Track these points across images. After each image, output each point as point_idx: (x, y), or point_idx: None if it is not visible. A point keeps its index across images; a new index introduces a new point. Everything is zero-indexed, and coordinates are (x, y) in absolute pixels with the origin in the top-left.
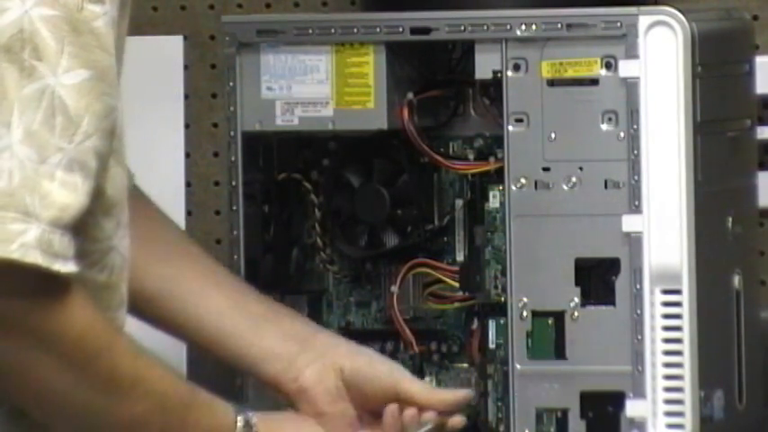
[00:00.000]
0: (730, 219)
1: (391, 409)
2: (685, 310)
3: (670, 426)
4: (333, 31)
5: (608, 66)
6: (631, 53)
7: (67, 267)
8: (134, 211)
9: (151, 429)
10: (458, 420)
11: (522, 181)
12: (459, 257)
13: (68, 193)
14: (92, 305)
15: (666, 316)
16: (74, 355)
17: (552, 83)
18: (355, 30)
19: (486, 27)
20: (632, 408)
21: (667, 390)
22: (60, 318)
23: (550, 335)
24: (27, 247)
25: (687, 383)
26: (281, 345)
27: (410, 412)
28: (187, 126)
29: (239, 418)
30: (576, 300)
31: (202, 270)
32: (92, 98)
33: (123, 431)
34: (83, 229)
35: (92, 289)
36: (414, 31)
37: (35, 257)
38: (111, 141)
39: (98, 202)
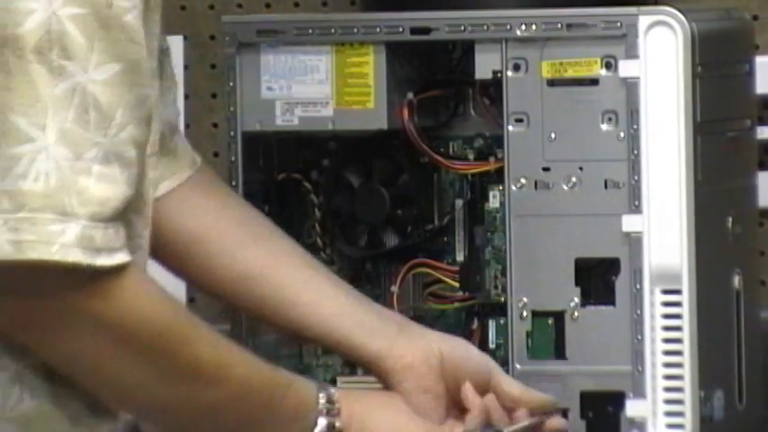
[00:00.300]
0: (730, 219)
1: (491, 398)
2: (685, 310)
3: (670, 426)
4: (333, 31)
5: (608, 66)
6: (631, 53)
7: (114, 259)
8: (218, 195)
9: (235, 414)
10: (557, 422)
11: (522, 181)
12: (460, 257)
13: (107, 186)
14: (160, 292)
15: (666, 316)
16: (149, 343)
17: (552, 83)
18: (355, 30)
19: (486, 27)
20: (632, 408)
21: (667, 390)
22: (122, 306)
23: (550, 335)
24: (67, 247)
25: (687, 383)
26: (383, 324)
27: (502, 410)
28: (187, 126)
29: (321, 394)
30: (576, 300)
31: (295, 253)
32: (123, 90)
33: (207, 417)
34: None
35: None
36: (414, 31)
37: (75, 256)
38: (147, 129)
39: (131, 201)
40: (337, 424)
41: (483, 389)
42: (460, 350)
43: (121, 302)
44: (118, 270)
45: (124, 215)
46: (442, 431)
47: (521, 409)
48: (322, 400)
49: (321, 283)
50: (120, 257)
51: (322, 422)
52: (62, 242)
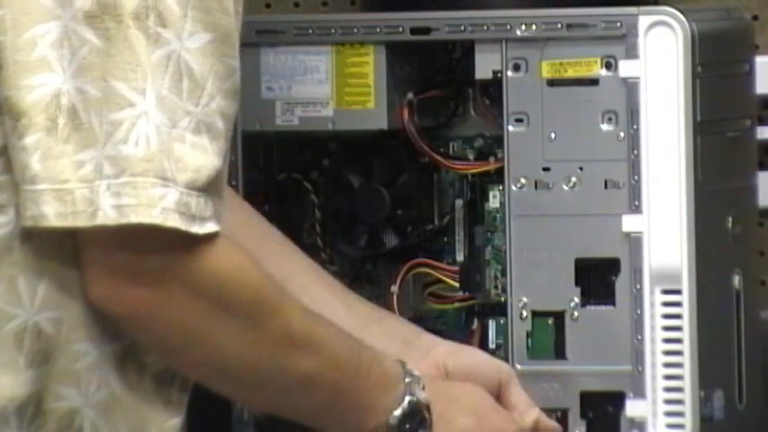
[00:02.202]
0: (730, 219)
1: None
2: (685, 310)
3: (670, 426)
4: (333, 31)
5: (608, 66)
6: (631, 53)
7: (205, 228)
8: (237, 209)
9: (326, 384)
10: None
11: (522, 181)
12: (459, 257)
13: (200, 155)
14: (250, 262)
15: (666, 316)
16: (243, 311)
17: (552, 83)
18: (355, 30)
19: (486, 27)
20: (632, 408)
21: (667, 390)
22: (216, 274)
23: (550, 335)
24: (168, 212)
25: (687, 383)
26: (387, 344)
27: None
28: None
29: (405, 369)
30: (576, 300)
31: (308, 269)
32: (214, 60)
33: (299, 388)
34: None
35: None
36: (414, 31)
37: (174, 221)
38: (235, 102)
39: (220, 173)
40: (423, 396)
41: (495, 397)
42: (467, 362)
43: (215, 270)
44: (210, 238)
45: (214, 186)
46: (514, 418)
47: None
48: (407, 374)
49: (330, 301)
50: (211, 226)
51: (410, 394)
52: (163, 206)
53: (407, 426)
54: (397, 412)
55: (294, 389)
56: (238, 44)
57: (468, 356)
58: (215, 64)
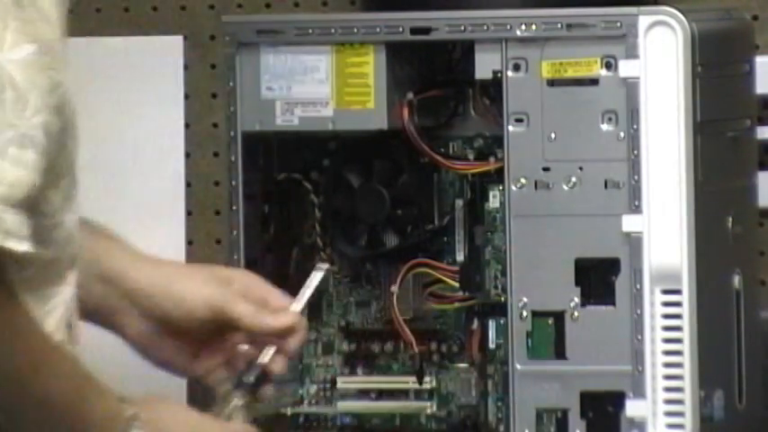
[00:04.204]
0: (730, 219)
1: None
2: (685, 310)
3: (670, 426)
4: (333, 31)
5: (608, 66)
6: (631, 53)
7: (22, 246)
8: None
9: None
10: (294, 343)
11: (522, 181)
12: (459, 257)
13: (20, 170)
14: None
15: (666, 316)
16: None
17: (552, 83)
18: (355, 30)
19: (486, 27)
20: (632, 408)
21: (667, 390)
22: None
23: (550, 335)
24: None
25: (687, 383)
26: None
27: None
28: (187, 126)
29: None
30: (576, 300)
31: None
32: (36, 72)
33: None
34: (32, 205)
35: (37, 266)
36: (414, 31)
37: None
38: (60, 117)
39: (47, 176)
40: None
41: (224, 326)
42: (179, 304)
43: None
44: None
45: (30, 203)
46: (225, 427)
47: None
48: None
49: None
50: (28, 245)
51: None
52: None
53: None
54: None
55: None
56: (65, 55)
57: (174, 295)
58: (37, 77)
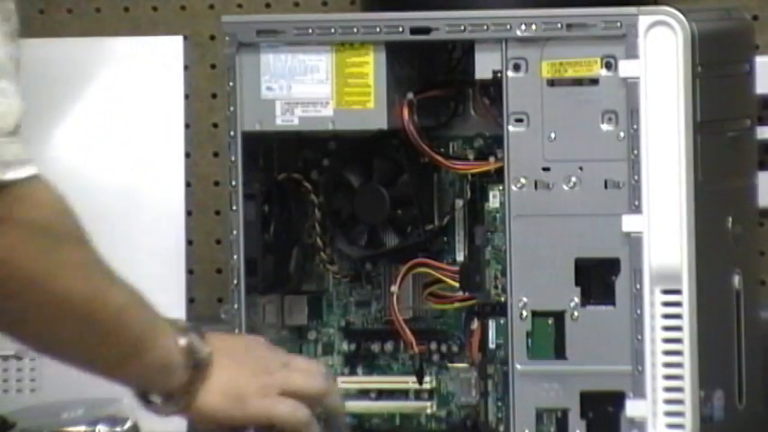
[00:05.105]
0: (730, 219)
1: None
2: (685, 310)
3: (670, 426)
4: (333, 31)
5: (608, 66)
6: (631, 53)
7: (27, 171)
8: None
9: (134, 319)
10: None
11: (522, 181)
12: (459, 257)
13: (4, 100)
14: (62, 200)
15: (666, 316)
16: (70, 234)
17: (552, 83)
18: (355, 30)
19: (486, 27)
20: (632, 408)
21: (667, 390)
22: (41, 209)
23: (550, 335)
24: (15, 168)
25: (687, 383)
26: None
27: None
28: (187, 126)
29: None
30: (576, 300)
31: None
32: None
33: (113, 322)
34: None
35: None
36: (414, 31)
37: (18, 173)
38: (15, 46)
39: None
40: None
41: None
42: None
43: (43, 206)
44: (29, 180)
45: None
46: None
47: None
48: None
49: None
50: (31, 169)
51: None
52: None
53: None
54: (183, 341)
55: (110, 323)
56: None
57: None
58: None
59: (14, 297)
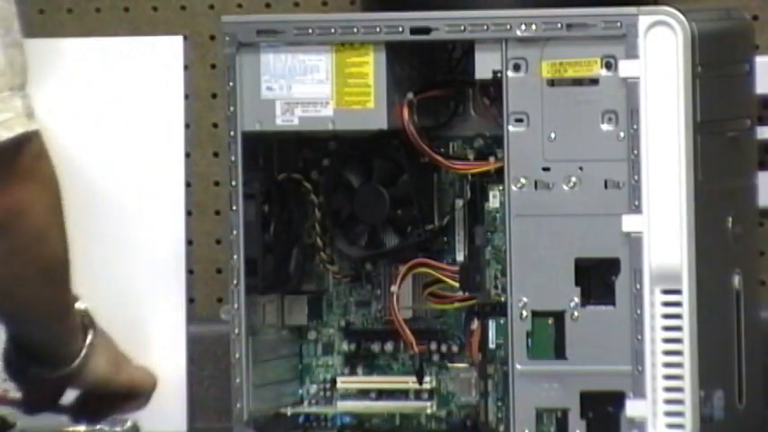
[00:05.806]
0: (730, 219)
1: None
2: (685, 310)
3: (670, 426)
4: (333, 31)
5: (608, 66)
6: (631, 53)
7: (36, 124)
8: None
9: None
10: None
11: (522, 181)
12: (459, 257)
13: (17, 56)
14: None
15: (666, 316)
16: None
17: (552, 83)
18: (355, 30)
19: (486, 27)
20: (632, 408)
21: (667, 390)
22: (48, 160)
23: (550, 335)
24: (22, 117)
25: (687, 383)
26: None
27: None
28: (187, 126)
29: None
30: (576, 300)
31: None
32: None
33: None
34: None
35: None
36: (414, 31)
37: (26, 125)
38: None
39: None
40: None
41: None
42: None
43: (47, 163)
44: (39, 133)
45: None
46: None
47: None
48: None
49: None
50: (38, 123)
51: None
52: (26, 114)
53: None
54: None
55: (69, 281)
56: None
57: None
58: None
59: (23, 252)
